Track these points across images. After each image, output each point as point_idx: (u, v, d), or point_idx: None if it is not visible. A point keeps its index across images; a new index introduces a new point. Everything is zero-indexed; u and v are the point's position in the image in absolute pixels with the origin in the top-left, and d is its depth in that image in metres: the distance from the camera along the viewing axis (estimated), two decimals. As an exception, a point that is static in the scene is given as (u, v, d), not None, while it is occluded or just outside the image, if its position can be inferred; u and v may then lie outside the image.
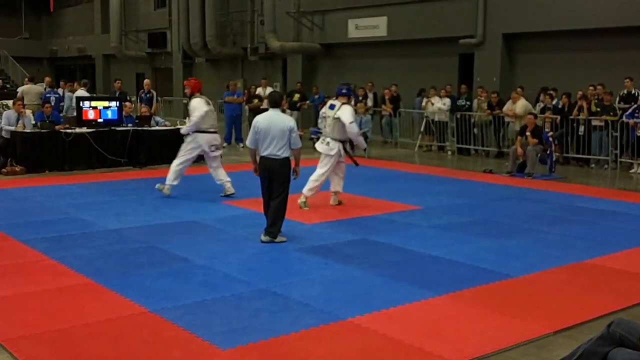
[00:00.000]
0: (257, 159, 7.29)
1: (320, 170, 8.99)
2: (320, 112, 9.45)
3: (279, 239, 7.12)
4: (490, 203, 9.79)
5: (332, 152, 8.89)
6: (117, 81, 16.95)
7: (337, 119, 8.84)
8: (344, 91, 9.07)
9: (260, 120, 7.22)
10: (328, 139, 8.94)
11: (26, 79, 17.95)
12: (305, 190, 8.94)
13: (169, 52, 28.27)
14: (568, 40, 16.12)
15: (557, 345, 4.48)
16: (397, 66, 19.72)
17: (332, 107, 9.03)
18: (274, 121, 7.14)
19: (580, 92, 14.01)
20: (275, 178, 7.11)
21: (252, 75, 24.32)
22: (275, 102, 7.39)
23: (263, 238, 7.12)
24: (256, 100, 17.25)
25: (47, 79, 17.98)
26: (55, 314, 4.92)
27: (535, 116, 12.86)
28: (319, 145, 9.07)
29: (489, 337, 4.60)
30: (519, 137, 12.79)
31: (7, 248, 6.80)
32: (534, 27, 16.40)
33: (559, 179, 12.13)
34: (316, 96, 19.52)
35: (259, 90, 18.14)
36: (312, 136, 17.29)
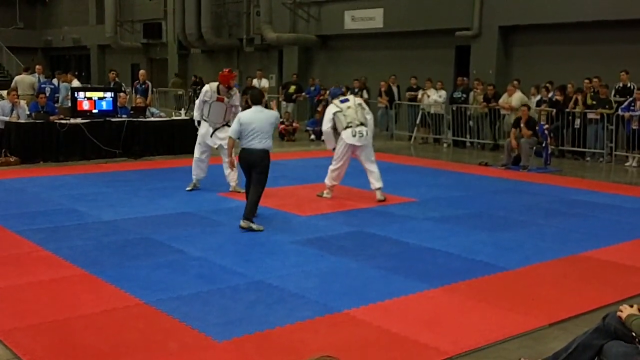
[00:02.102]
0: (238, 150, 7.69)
1: (373, 161, 9.02)
2: (331, 115, 8.94)
3: (256, 226, 7.23)
4: (486, 195, 9.79)
5: (370, 139, 9.02)
6: (112, 72, 16.88)
7: (360, 105, 9.02)
8: (342, 90, 9.58)
9: (244, 115, 7.61)
10: (363, 130, 8.82)
11: (23, 69, 17.84)
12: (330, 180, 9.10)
13: (165, 43, 28.15)
14: (564, 33, 16.11)
15: (552, 338, 4.49)
16: (393, 58, 19.68)
17: (344, 100, 9.09)
18: (257, 117, 7.51)
19: (570, 85, 14.01)
20: (255, 168, 7.46)
21: (248, 67, 24.25)
22: (255, 99, 7.77)
23: (241, 223, 7.24)
24: (252, 92, 17.20)
25: (38, 67, 17.82)
26: (50, 306, 4.90)
27: (529, 108, 12.88)
28: (357, 140, 8.78)
29: (484, 330, 4.61)
30: (513, 130, 12.81)
31: (1, 239, 6.77)
32: (530, 19, 16.38)
33: (554, 172, 12.15)
34: (312, 88, 19.48)
35: (255, 82, 18.10)
36: (308, 128, 17.28)
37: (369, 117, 9.12)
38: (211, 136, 9.35)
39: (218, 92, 9.19)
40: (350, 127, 8.82)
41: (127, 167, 11.87)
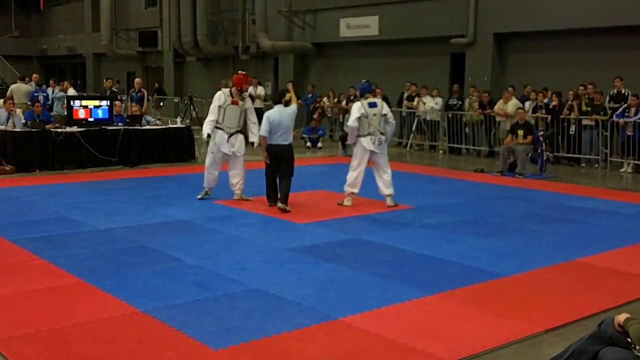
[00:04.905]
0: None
1: (387, 168, 9.17)
2: (357, 114, 8.89)
3: (289, 207, 8.61)
4: (482, 202, 9.81)
5: (386, 148, 9.18)
6: (108, 80, 16.88)
7: (384, 115, 9.04)
8: (373, 87, 9.33)
9: (272, 115, 8.64)
10: (382, 138, 9.01)
11: (19, 78, 17.85)
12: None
13: (160, 51, 28.19)
14: (559, 40, 16.19)
15: (548, 344, 4.50)
16: (388, 66, 19.74)
17: (373, 104, 9.04)
18: (283, 116, 8.64)
19: (571, 92, 14.07)
20: (284, 160, 8.68)
21: (244, 75, 24.23)
22: (278, 98, 8.90)
23: (280, 205, 8.59)
24: (248, 100, 17.22)
25: (35, 75, 17.83)
26: (46, 314, 4.90)
27: (524, 110, 13.20)
28: (376, 147, 8.93)
29: (480, 336, 4.61)
30: (509, 135, 12.87)
31: (-3, 248, 6.76)
32: (525, 26, 16.46)
33: (549, 178, 12.18)
34: (309, 95, 19.49)
35: (251, 90, 18.10)
36: (304, 135, 17.29)
37: (389, 128, 9.15)
38: (227, 142, 9.13)
39: (232, 95, 9.13)
40: (371, 134, 8.93)
41: (123, 175, 11.87)
